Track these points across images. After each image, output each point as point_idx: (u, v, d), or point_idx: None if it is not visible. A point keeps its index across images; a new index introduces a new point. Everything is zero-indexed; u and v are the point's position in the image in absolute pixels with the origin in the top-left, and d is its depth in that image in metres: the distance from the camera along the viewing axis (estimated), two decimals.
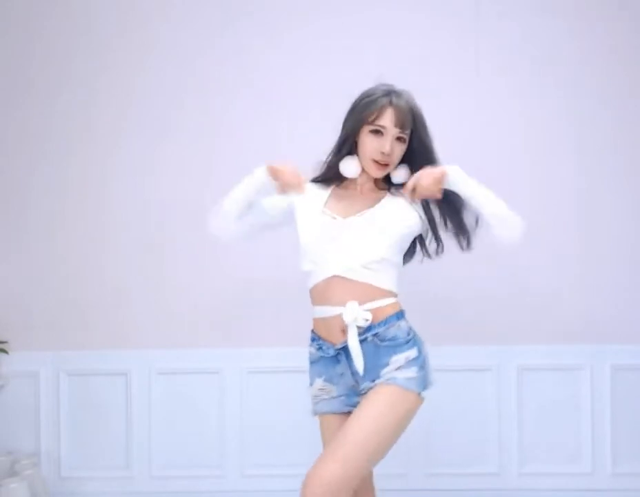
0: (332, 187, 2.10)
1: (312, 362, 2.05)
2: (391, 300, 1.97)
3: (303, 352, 3.10)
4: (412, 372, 1.90)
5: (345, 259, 1.93)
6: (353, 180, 2.07)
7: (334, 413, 2.01)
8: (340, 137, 2.07)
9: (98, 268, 3.10)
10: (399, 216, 1.99)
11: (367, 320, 1.90)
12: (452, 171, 1.93)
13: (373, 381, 1.91)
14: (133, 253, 3.10)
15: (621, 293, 3.04)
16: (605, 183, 3.05)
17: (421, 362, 1.93)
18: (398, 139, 1.99)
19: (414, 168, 2.02)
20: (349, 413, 1.96)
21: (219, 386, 3.09)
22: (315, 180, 2.12)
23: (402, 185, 2.04)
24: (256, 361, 3.07)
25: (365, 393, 1.92)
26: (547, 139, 3.06)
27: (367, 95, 2.02)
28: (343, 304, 1.91)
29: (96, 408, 3.09)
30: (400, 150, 2.00)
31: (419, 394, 1.91)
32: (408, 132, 1.99)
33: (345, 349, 1.93)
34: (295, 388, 3.05)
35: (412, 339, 1.95)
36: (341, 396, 2.00)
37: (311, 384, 2.06)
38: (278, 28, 3.08)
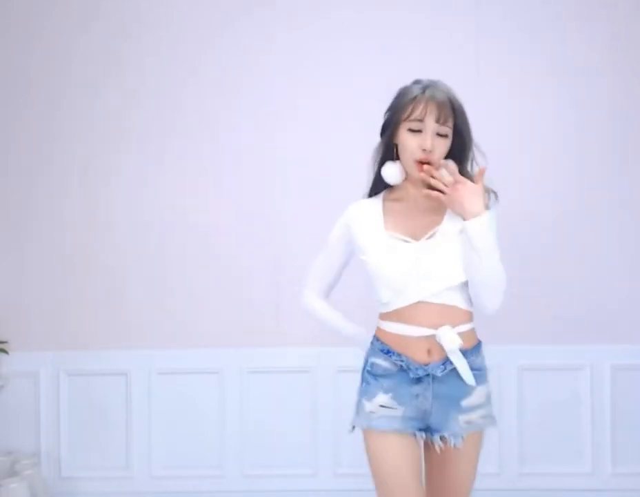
0: (382, 201, 1.96)
1: (378, 376, 1.89)
2: (473, 324, 1.90)
3: (303, 352, 3.12)
4: (489, 411, 1.91)
5: (428, 286, 1.82)
6: (404, 189, 1.93)
7: (396, 432, 1.86)
8: (379, 143, 1.95)
9: (98, 268, 3.10)
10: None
11: (460, 344, 1.81)
12: (486, 217, 1.79)
13: (448, 414, 1.85)
14: (133, 253, 3.09)
15: (621, 293, 3.04)
16: (605, 183, 3.05)
17: (491, 398, 1.93)
18: (440, 134, 1.82)
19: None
20: (410, 434, 1.86)
21: (219, 386, 3.09)
22: (369, 195, 2.01)
23: None
24: (256, 361, 3.07)
25: (449, 440, 1.85)
26: (547, 138, 3.06)
27: (401, 92, 1.89)
28: (432, 326, 1.82)
29: (96, 408, 3.09)
30: (443, 146, 1.84)
31: None
32: (450, 126, 1.83)
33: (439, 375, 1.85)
34: (295, 388, 3.06)
35: (487, 372, 1.92)
36: (405, 417, 1.86)
37: (369, 399, 1.89)
38: (277, 29, 3.08)
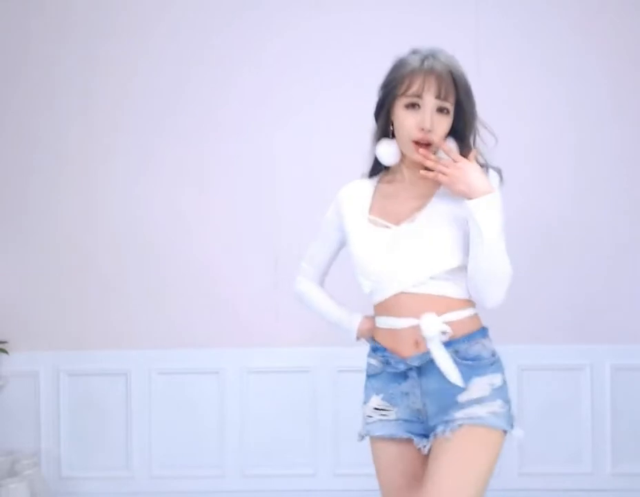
0: (376, 183, 1.79)
1: (371, 376, 1.77)
2: (471, 311, 1.69)
3: (303, 352, 3.12)
4: (497, 406, 1.64)
5: (410, 275, 1.64)
6: (399, 171, 1.75)
7: (391, 438, 1.71)
8: (374, 119, 1.76)
9: (98, 268, 3.10)
10: (460, 207, 1.63)
11: (445, 333, 1.61)
12: (496, 195, 1.63)
13: (446, 412, 1.63)
14: (133, 253, 3.10)
15: (621, 293, 3.04)
16: (605, 183, 3.05)
17: (505, 393, 1.68)
18: (440, 110, 1.63)
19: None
20: (408, 440, 1.70)
21: (219, 386, 3.09)
22: (368, 176, 1.83)
23: None
24: (256, 361, 3.07)
25: (439, 432, 1.62)
26: (548, 138, 3.06)
27: (397, 64, 1.69)
28: (416, 315, 1.64)
29: (96, 408, 3.09)
30: (444, 124, 1.64)
31: (505, 432, 1.67)
32: (452, 101, 1.63)
33: (418, 365, 1.66)
34: (295, 388, 3.06)
35: (496, 362, 1.70)
36: (399, 420, 1.71)
37: (365, 402, 1.78)
38: (276, 29, 3.08)
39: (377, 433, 1.73)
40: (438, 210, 1.67)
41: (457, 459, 1.59)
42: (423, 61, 1.63)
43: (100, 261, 3.10)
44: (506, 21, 3.05)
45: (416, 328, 1.64)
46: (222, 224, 3.09)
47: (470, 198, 1.59)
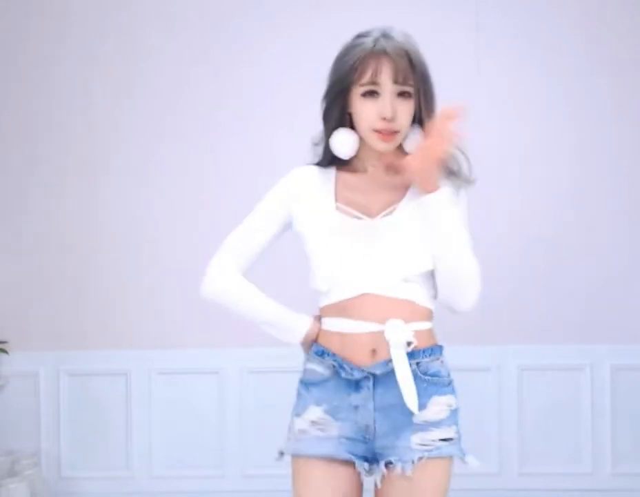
0: (335, 171, 1.59)
1: (310, 384, 1.54)
2: (431, 324, 1.54)
3: (303, 352, 3.11)
4: (453, 431, 1.50)
5: (380, 275, 1.47)
6: (359, 161, 1.57)
7: (325, 458, 1.47)
8: (325, 111, 1.62)
9: (98, 268, 3.10)
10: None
11: (410, 344, 1.46)
12: (444, 191, 1.48)
13: (399, 435, 1.46)
14: (132, 253, 3.09)
15: (621, 293, 3.04)
16: (605, 183, 3.05)
17: (458, 417, 1.53)
18: (401, 94, 1.47)
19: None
20: (347, 463, 1.47)
21: (219, 386, 3.09)
22: (316, 164, 1.62)
23: None
24: (256, 361, 3.07)
25: (395, 464, 1.44)
26: (548, 138, 3.06)
27: (346, 49, 1.52)
28: (379, 320, 1.46)
29: (96, 408, 3.09)
30: (408, 108, 1.48)
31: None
32: (412, 83, 1.48)
33: (375, 375, 1.47)
34: (295, 388, 3.05)
35: (452, 383, 1.53)
36: (341, 437, 1.48)
37: (299, 414, 1.54)
38: (276, 29, 3.08)
39: (310, 452, 1.49)
40: (412, 205, 1.51)
41: None
42: (374, 44, 1.46)
43: (100, 261, 3.10)
44: (506, 21, 3.05)
45: (377, 335, 1.46)
46: (222, 224, 3.07)
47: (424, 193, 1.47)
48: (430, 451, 1.45)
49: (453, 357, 3.02)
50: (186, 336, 3.09)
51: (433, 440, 1.46)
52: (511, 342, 3.04)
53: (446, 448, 1.47)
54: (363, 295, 1.48)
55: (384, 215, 1.50)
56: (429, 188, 1.47)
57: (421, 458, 1.44)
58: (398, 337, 1.45)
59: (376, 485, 1.48)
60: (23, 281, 3.11)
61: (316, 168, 1.61)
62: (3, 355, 3.08)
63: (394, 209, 1.51)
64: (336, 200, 1.53)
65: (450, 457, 1.49)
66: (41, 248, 3.10)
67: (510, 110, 3.05)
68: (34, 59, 3.11)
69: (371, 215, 1.51)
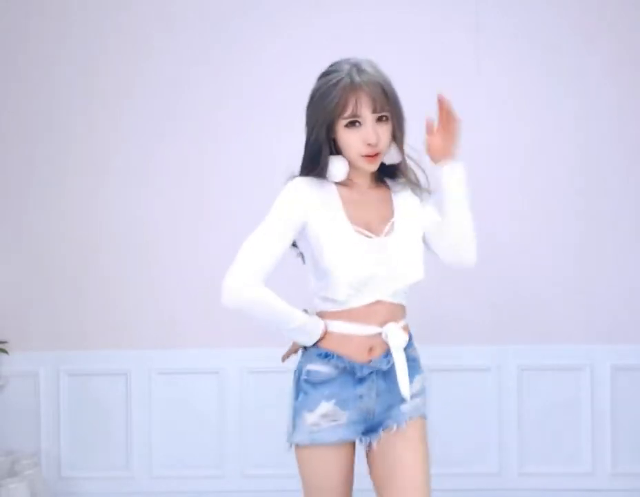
0: (334, 187, 1.78)
1: (319, 383, 1.77)
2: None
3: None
4: (425, 399, 1.84)
5: (392, 284, 1.75)
6: (348, 178, 1.79)
7: (341, 443, 1.76)
8: (310, 143, 1.76)
9: (98, 268, 3.10)
10: (416, 218, 1.81)
11: (406, 341, 1.76)
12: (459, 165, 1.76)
13: (392, 408, 1.77)
14: (133, 253, 3.10)
15: (622, 294, 3.04)
16: (606, 183, 3.05)
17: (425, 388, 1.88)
18: (380, 119, 1.70)
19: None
20: (354, 440, 1.79)
21: (219, 386, 3.09)
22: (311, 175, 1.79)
23: (394, 169, 1.82)
24: (256, 361, 3.07)
25: (392, 425, 1.76)
26: (549, 137, 3.06)
27: (323, 85, 1.72)
28: (379, 323, 1.75)
29: (96, 408, 3.09)
30: (387, 131, 1.72)
31: None
32: (387, 108, 1.70)
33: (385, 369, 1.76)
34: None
35: (421, 365, 1.87)
36: (349, 422, 1.75)
37: (311, 410, 1.77)
38: (276, 29, 3.08)
39: (329, 440, 1.75)
40: (406, 221, 1.79)
41: (420, 452, 1.77)
42: (351, 80, 1.68)
43: (100, 261, 3.10)
44: (506, 21, 3.05)
45: (375, 337, 1.75)
46: (222, 224, 3.08)
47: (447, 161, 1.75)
48: (419, 411, 1.80)
49: (453, 357, 3.05)
50: (186, 336, 3.09)
51: (416, 405, 1.80)
52: (511, 342, 3.04)
53: (423, 408, 1.83)
54: (373, 302, 1.74)
55: (387, 233, 1.76)
56: (450, 158, 1.74)
57: (411, 418, 1.77)
58: (399, 341, 1.74)
59: (371, 447, 1.78)
60: (23, 281, 3.11)
61: (315, 182, 1.77)
62: (3, 355, 3.08)
63: (392, 226, 1.77)
64: (348, 217, 1.74)
65: (425, 416, 1.84)
66: (41, 248, 3.11)
67: (509, 110, 3.05)
68: (34, 59, 3.11)
69: (376, 232, 1.75)
